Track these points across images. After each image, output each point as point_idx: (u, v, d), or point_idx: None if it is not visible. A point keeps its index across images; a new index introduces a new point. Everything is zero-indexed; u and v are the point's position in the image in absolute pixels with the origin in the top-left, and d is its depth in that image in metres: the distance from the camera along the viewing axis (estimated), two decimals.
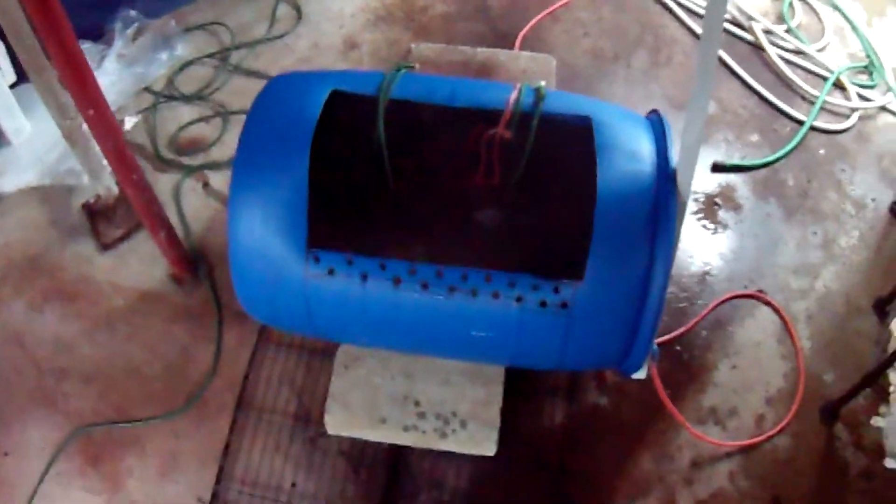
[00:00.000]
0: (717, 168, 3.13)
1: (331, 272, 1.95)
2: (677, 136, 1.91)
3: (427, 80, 2.23)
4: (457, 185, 2.16)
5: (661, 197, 1.92)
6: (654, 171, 1.96)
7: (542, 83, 2.16)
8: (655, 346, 2.08)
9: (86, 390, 2.60)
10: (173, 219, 2.87)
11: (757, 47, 3.61)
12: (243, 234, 1.99)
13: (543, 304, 1.92)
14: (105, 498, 2.44)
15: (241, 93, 3.28)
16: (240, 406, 2.51)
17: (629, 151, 1.99)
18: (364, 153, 2.14)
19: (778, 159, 3.18)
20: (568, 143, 2.06)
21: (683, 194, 1.90)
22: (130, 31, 3.36)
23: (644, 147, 2.02)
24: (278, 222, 1.96)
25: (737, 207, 3.03)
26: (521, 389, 2.46)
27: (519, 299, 1.92)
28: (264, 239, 1.97)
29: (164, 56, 3.36)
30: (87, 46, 3.25)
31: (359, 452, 2.42)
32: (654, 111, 2.18)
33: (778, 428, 2.52)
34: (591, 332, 1.99)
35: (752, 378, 2.63)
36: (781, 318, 2.75)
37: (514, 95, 2.11)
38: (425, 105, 2.11)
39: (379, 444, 2.39)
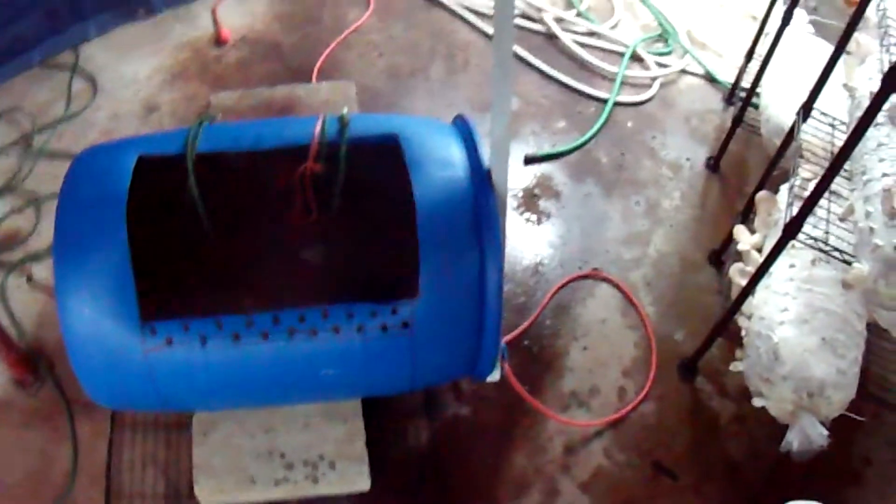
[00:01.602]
0: (530, 160, 3.21)
1: (169, 342, 1.91)
2: (486, 137, 1.95)
3: (231, 129, 2.22)
4: (278, 227, 2.16)
5: (480, 198, 1.95)
6: (468, 174, 2.00)
7: (346, 110, 2.18)
8: (503, 345, 2.11)
9: None
10: (3, 319, 2.76)
11: (550, 36, 3.73)
12: (75, 322, 1.92)
13: (384, 328, 1.93)
14: None
15: (50, 177, 3.17)
16: (108, 499, 2.42)
17: (440, 160, 2.03)
18: (181, 213, 2.11)
19: (588, 140, 3.30)
20: (379, 164, 2.08)
21: (501, 191, 1.95)
22: None
23: (454, 153, 2.06)
24: (107, 301, 1.90)
25: (556, 195, 3.11)
26: (381, 417, 2.44)
27: (360, 329, 1.92)
28: (97, 322, 1.91)
29: None
30: None
31: None
32: (459, 116, 2.22)
33: (641, 396, 2.60)
34: (437, 345, 2.01)
35: (605, 354, 2.70)
36: (621, 290, 2.84)
37: (318, 127, 2.12)
38: (233, 153, 2.10)
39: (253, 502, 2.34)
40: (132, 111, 3.45)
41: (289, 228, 2.17)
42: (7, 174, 3.23)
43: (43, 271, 2.91)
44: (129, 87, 3.54)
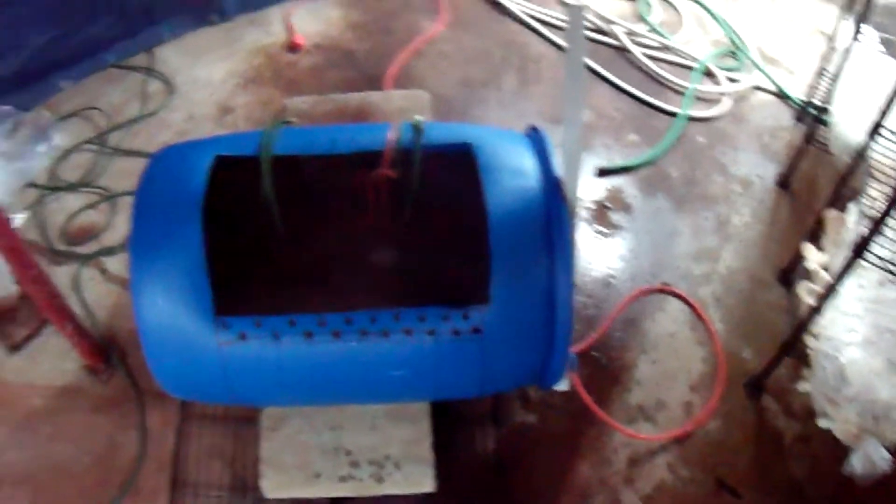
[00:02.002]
0: (602, 173, 3.21)
1: (242, 337, 1.95)
2: (558, 148, 1.96)
3: (307, 132, 2.25)
4: (350, 230, 2.19)
5: (552, 208, 1.96)
6: (540, 184, 2.01)
7: (420, 117, 2.20)
8: (573, 355, 2.11)
9: (17, 495, 2.52)
10: (77, 310, 2.82)
11: (622, 49, 3.73)
12: (150, 314, 1.98)
13: (456, 332, 1.94)
14: None
15: (125, 174, 3.26)
16: (174, 487, 2.47)
17: (513, 169, 2.04)
18: (256, 213, 2.15)
19: (659, 154, 3.29)
20: (452, 171, 2.10)
21: (572, 202, 1.95)
22: (5, 127, 3.31)
23: (526, 163, 2.07)
24: (182, 295, 1.95)
25: (627, 208, 3.11)
26: (449, 421, 2.47)
27: (431, 332, 1.95)
28: (171, 314, 1.96)
29: (42, 148, 3.31)
30: None
31: None
32: (532, 127, 2.23)
33: (707, 412, 2.58)
34: (507, 351, 2.02)
35: (673, 369, 2.69)
36: (690, 305, 2.83)
37: (392, 134, 2.14)
38: (308, 157, 2.13)
39: (319, 499, 2.36)
40: (206, 113, 3.52)
41: (361, 232, 2.19)
42: (83, 170, 3.32)
43: (116, 264, 2.99)
44: (203, 89, 3.62)
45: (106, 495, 2.49)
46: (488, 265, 1.90)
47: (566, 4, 3.73)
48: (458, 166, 2.07)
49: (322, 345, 1.96)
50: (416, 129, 2.16)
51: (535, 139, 2.16)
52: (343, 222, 2.19)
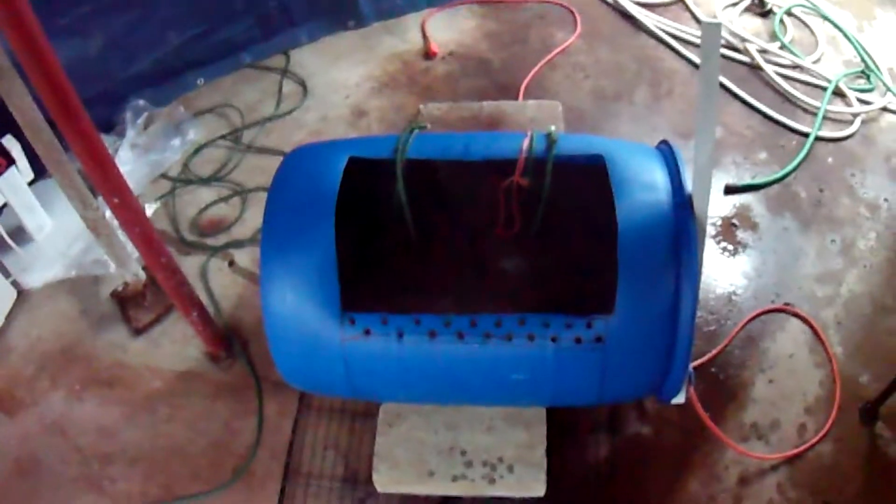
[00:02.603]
0: (730, 190, 3.17)
1: (367, 333, 1.99)
2: (688, 164, 1.95)
3: (440, 138, 2.28)
4: (480, 237, 2.21)
5: (681, 223, 1.95)
6: (670, 199, 2.00)
7: (553, 128, 2.21)
8: (691, 369, 2.10)
9: (131, 473, 2.61)
10: (203, 299, 2.90)
11: (754, 67, 3.69)
12: (277, 305, 2.04)
13: (578, 340, 1.95)
14: None
15: (257, 170, 3.35)
16: (287, 474, 2.52)
17: (644, 183, 2.03)
18: (387, 214, 2.19)
19: (788, 174, 3.23)
20: (584, 182, 2.11)
21: (701, 218, 1.94)
22: (141, 121, 3.43)
23: (658, 177, 2.06)
24: (311, 290, 2.00)
25: (754, 226, 3.06)
26: (564, 427, 2.47)
27: (554, 339, 1.96)
28: (298, 307, 2.01)
29: (176, 142, 3.43)
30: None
31: None
32: (664, 141, 2.22)
33: (820, 435, 2.53)
34: (628, 362, 2.01)
35: (790, 389, 2.64)
36: (811, 327, 2.77)
37: (526, 143, 2.16)
38: (441, 162, 2.16)
39: (429, 496, 2.39)
40: (341, 115, 3.59)
41: (491, 239, 2.21)
42: (215, 165, 3.42)
43: (244, 258, 3.07)
44: (338, 91, 3.70)
45: (218, 478, 2.56)
46: (615, 276, 1.90)
47: (701, 21, 3.68)
48: (590, 177, 2.08)
49: (445, 345, 1.99)
50: (550, 139, 2.17)
51: (667, 153, 2.15)
52: (473, 228, 2.22)
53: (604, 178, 2.03)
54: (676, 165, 2.08)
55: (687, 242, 1.93)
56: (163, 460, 2.62)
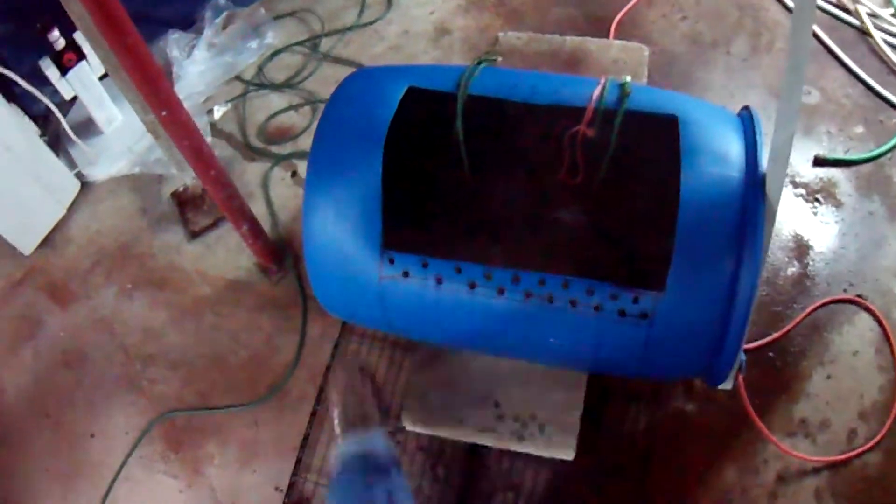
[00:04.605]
0: (819, 162, 2.97)
1: (405, 275, 1.92)
2: (769, 136, 1.79)
3: (508, 75, 2.15)
4: (536, 186, 2.10)
5: (749, 203, 1.81)
6: (741, 175, 1.85)
7: (628, 78, 2.06)
8: (743, 357, 1.97)
9: (171, 377, 2.65)
10: (261, 208, 2.89)
11: (863, 32, 3.42)
12: (318, 234, 1.98)
13: (622, 313, 1.84)
14: (185, 483, 2.50)
15: (331, 81, 3.27)
16: (320, 397, 2.51)
17: (716, 154, 1.89)
18: (441, 151, 2.10)
19: (884, 153, 3.00)
20: (652, 143, 1.97)
21: (773, 201, 1.79)
22: (220, 20, 3.38)
23: (733, 149, 1.91)
24: (353, 223, 1.93)
25: (839, 204, 2.87)
26: (605, 392, 2.39)
27: (597, 308, 1.85)
28: (338, 239, 1.95)
29: (253, 44, 3.37)
30: (176, 36, 3.29)
31: (437, 449, 2.39)
32: (746, 108, 2.06)
33: (870, 444, 2.38)
34: (673, 343, 1.90)
35: (847, 389, 2.49)
36: (881, 325, 2.60)
37: (597, 91, 2.02)
38: (505, 101, 2.04)
39: (457, 441, 2.35)
40: (423, 31, 3.47)
41: (547, 189, 2.10)
42: (289, 71, 3.36)
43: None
44: (423, 6, 3.57)
45: (253, 392, 2.59)
46: (670, 252, 1.78)
47: None
48: (660, 139, 1.94)
49: (484, 298, 1.90)
50: (623, 90, 2.03)
51: (747, 123, 1.99)
52: (530, 176, 2.11)
53: (674, 143, 1.89)
54: (755, 138, 1.93)
55: (753, 225, 1.78)
56: (202, 367, 2.65)
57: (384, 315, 2.06)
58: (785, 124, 1.67)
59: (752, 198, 1.81)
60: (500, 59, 2.28)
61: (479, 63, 2.13)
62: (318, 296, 2.15)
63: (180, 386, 2.63)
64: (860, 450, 2.38)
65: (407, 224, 1.95)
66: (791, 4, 3.48)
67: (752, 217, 1.79)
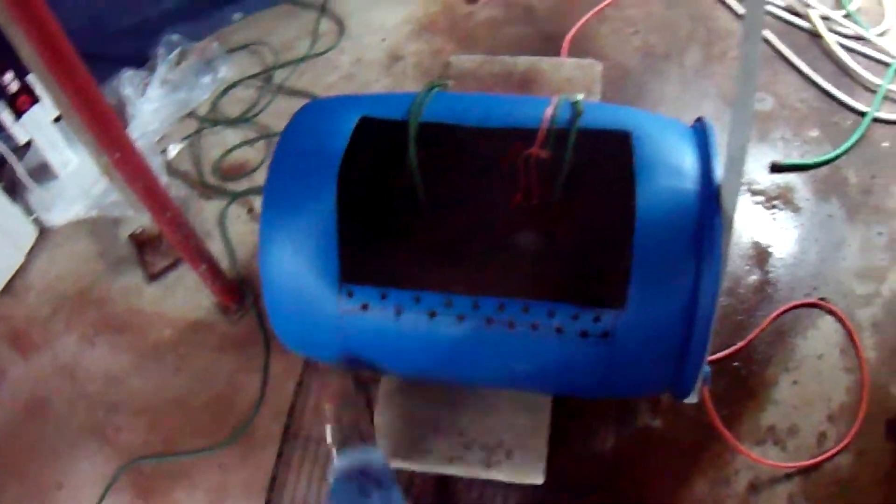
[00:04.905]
0: (776, 168, 2.99)
1: (365, 307, 1.90)
2: (723, 146, 1.80)
3: (460, 100, 2.15)
4: (492, 208, 2.09)
5: (705, 216, 1.81)
6: (697, 187, 1.86)
7: (580, 96, 2.07)
8: (707, 369, 1.97)
9: (136, 423, 2.60)
10: (219, 246, 2.87)
11: (814, 35, 3.46)
12: (275, 270, 1.96)
13: (584, 333, 1.83)
14: None
15: (285, 114, 3.14)
16: (286, 437, 2.48)
17: (670, 167, 1.89)
18: (395, 180, 2.08)
19: (839, 155, 3.03)
20: (606, 160, 1.96)
21: (729, 211, 1.79)
22: (173, 56, 3.36)
23: (687, 161, 1.91)
24: (309, 257, 1.91)
25: (797, 210, 2.89)
26: (571, 412, 2.37)
27: (559, 330, 1.84)
28: (296, 274, 1.93)
29: (207, 80, 3.35)
30: (129, 74, 3.26)
31: (406, 481, 2.36)
32: (700, 120, 2.06)
33: (840, 446, 2.39)
34: (636, 361, 1.89)
35: (814, 393, 2.50)
36: (845, 327, 2.61)
37: (549, 111, 2.02)
38: (458, 126, 2.04)
39: (425, 472, 2.33)
40: (376, 58, 3.47)
41: (503, 213, 2.09)
42: (244, 105, 3.34)
43: None
44: (375, 33, 3.57)
45: (219, 435, 2.54)
46: (629, 269, 1.78)
47: None
48: (614, 155, 1.93)
49: (445, 326, 1.89)
50: (576, 108, 2.03)
51: (701, 135, 2.00)
52: (485, 200, 2.10)
53: (628, 159, 1.89)
54: (709, 150, 1.93)
55: (710, 237, 1.78)
56: (167, 412, 2.61)
57: (345, 349, 2.03)
58: (738, 133, 1.67)
59: (708, 209, 1.81)
60: (451, 83, 2.27)
61: (431, 88, 2.13)
62: (278, 333, 2.12)
63: (146, 432, 2.58)
64: (830, 453, 2.38)
65: (364, 256, 1.93)
66: (741, 11, 3.51)
67: (709, 228, 1.79)
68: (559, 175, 2.02)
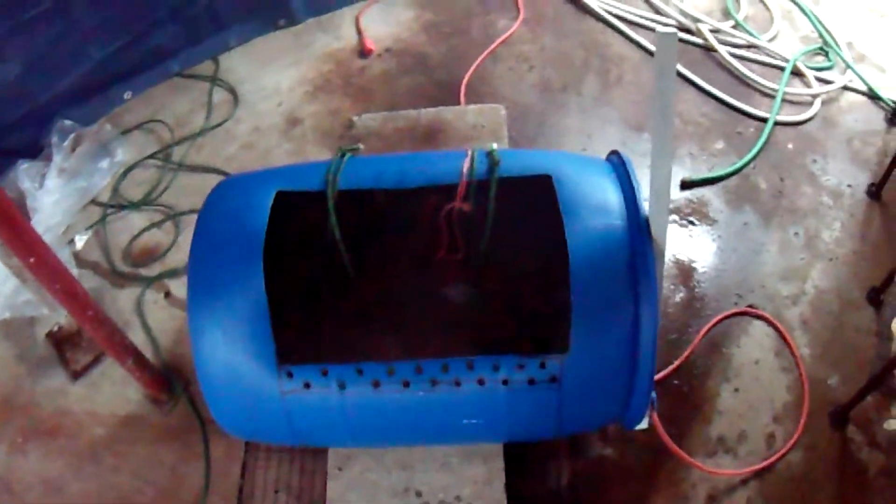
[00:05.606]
0: (687, 185, 3.05)
1: (307, 386, 1.87)
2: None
3: (374, 163, 2.14)
4: (422, 271, 2.08)
5: (638, 249, 1.83)
6: (625, 222, 1.88)
7: (495, 146, 2.07)
8: (653, 395, 1.98)
9: None
10: (139, 335, 2.78)
11: (708, 49, 3.55)
12: (209, 358, 1.91)
13: (532, 381, 1.83)
14: None
15: (189, 190, 3.19)
16: None
17: (596, 205, 1.91)
18: (320, 252, 2.05)
19: (746, 163, 3.11)
20: (530, 205, 1.98)
21: (659, 242, 1.82)
22: (68, 143, 3.26)
23: (610, 197, 1.93)
24: (243, 342, 1.87)
25: (712, 223, 2.95)
26: (523, 456, 2.36)
27: (505, 381, 1.84)
28: (232, 360, 1.88)
29: (105, 164, 3.26)
30: (25, 166, 3.16)
31: None
32: (615, 153, 2.09)
33: (789, 444, 2.44)
34: (586, 399, 1.91)
35: (756, 398, 2.54)
36: (776, 329, 2.67)
37: (466, 164, 2.01)
38: (376, 191, 2.02)
39: None
40: (274, 124, 3.43)
41: (433, 272, 2.08)
42: (146, 186, 3.26)
43: (181, 287, 2.91)
44: (270, 98, 3.53)
45: None
46: (569, 312, 1.78)
47: (657, 31, 3.55)
48: (537, 200, 1.94)
49: (390, 394, 1.87)
50: (492, 158, 2.03)
51: (619, 168, 2.02)
52: (414, 261, 2.09)
53: (552, 202, 1.90)
54: (630, 182, 1.95)
55: (645, 270, 1.81)
56: None
57: (290, 429, 1.99)
58: (660, 166, 1.69)
59: (639, 241, 1.84)
60: (362, 147, 2.25)
61: (343, 155, 2.10)
62: (219, 420, 2.06)
63: None
64: (781, 452, 2.43)
65: (299, 334, 1.90)
66: (633, 36, 3.58)
67: (643, 260, 1.81)
68: (484, 226, 2.01)
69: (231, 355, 1.88)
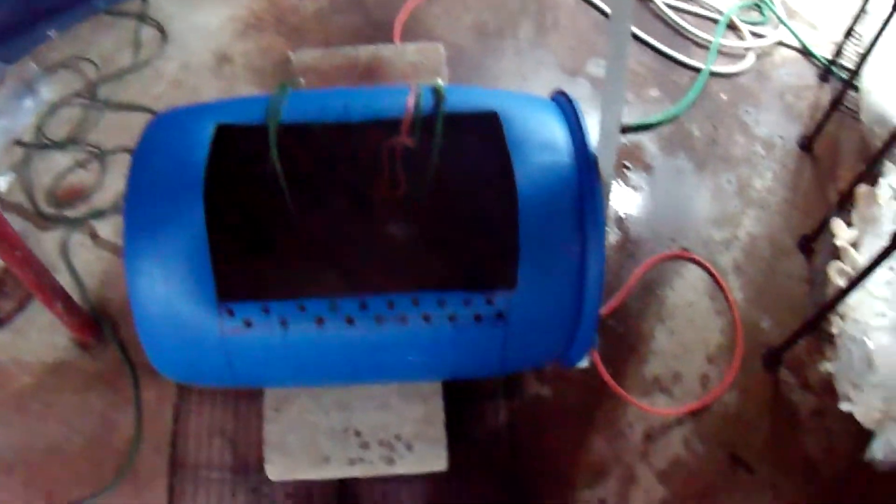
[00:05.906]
0: (622, 130, 3.05)
1: (248, 324, 1.81)
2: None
3: (316, 97, 2.08)
4: (366, 206, 2.04)
5: (585, 185, 1.82)
6: (572, 159, 1.87)
7: (440, 81, 2.04)
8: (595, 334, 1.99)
9: (10, 481, 2.40)
10: (65, 278, 2.69)
11: None
12: (146, 298, 1.83)
13: (478, 317, 1.82)
14: None
15: (116, 129, 3.07)
16: (173, 468, 2.35)
17: (543, 142, 1.89)
18: (262, 187, 2.00)
19: (680, 111, 3.14)
20: (477, 142, 1.95)
21: (607, 179, 1.82)
22: None
23: (558, 135, 1.92)
24: (182, 279, 1.80)
25: (647, 168, 2.97)
26: (460, 396, 2.35)
27: (452, 318, 1.82)
28: (170, 299, 1.82)
29: (28, 103, 3.13)
30: None
31: (306, 492, 2.29)
32: (560, 92, 2.07)
33: (724, 385, 2.50)
34: (531, 335, 1.90)
35: (691, 339, 2.59)
36: (710, 273, 2.72)
37: (411, 100, 1.98)
38: (319, 125, 1.97)
39: (327, 480, 2.26)
40: (203, 62, 3.32)
41: (377, 207, 2.05)
42: (71, 125, 3.12)
43: (107, 228, 2.81)
44: (200, 36, 3.41)
45: (102, 478, 2.37)
46: (516, 247, 1.77)
47: None
48: (484, 137, 1.92)
49: (334, 331, 1.83)
50: (438, 94, 1.99)
51: (566, 106, 2.00)
52: (357, 197, 2.05)
53: (500, 138, 1.88)
54: (578, 121, 1.94)
55: (592, 207, 1.80)
56: (41, 464, 2.41)
57: (230, 370, 1.93)
58: (612, 105, 1.69)
59: (588, 179, 1.83)
60: (303, 81, 2.20)
61: (284, 88, 2.04)
62: (155, 363, 1.99)
63: (23, 489, 2.38)
64: (716, 393, 2.49)
65: (240, 271, 1.84)
66: None
67: (591, 197, 1.81)
68: (429, 162, 1.98)
69: (169, 294, 1.81)
